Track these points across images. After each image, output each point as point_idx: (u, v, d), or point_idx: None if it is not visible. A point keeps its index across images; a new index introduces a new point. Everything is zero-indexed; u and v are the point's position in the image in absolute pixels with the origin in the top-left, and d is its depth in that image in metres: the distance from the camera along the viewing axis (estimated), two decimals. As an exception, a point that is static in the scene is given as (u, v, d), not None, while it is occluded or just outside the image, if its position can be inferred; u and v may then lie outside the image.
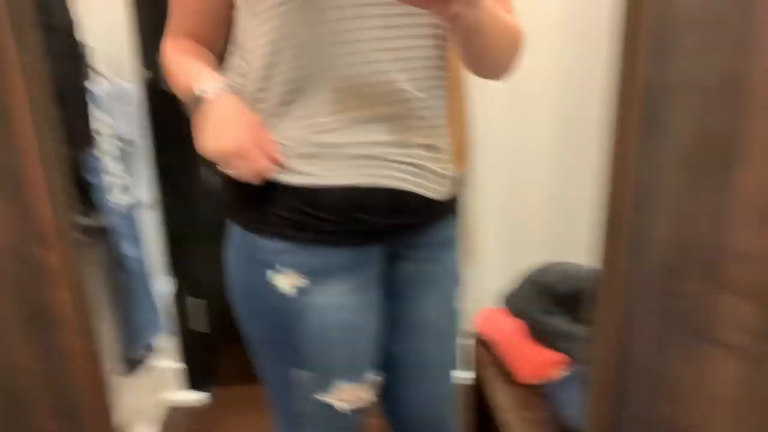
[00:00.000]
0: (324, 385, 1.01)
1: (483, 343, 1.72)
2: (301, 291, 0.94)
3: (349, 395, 1.02)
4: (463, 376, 2.00)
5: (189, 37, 1.01)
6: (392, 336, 1.09)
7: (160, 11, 1.75)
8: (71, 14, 1.13)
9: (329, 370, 1.01)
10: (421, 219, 1.00)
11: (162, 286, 1.88)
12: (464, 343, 1.74)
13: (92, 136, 1.26)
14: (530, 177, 2.16)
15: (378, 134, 0.91)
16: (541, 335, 1.56)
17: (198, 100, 0.90)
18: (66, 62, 1.13)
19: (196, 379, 2.40)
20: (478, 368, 1.63)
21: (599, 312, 0.57)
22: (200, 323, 2.34)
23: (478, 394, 1.68)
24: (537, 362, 1.55)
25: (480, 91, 1.98)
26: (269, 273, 0.95)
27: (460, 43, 0.90)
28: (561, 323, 1.57)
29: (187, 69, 0.97)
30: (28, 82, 0.47)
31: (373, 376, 1.05)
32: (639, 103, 0.48)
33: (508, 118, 2.10)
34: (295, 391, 1.03)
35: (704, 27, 0.47)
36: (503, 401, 1.50)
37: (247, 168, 0.89)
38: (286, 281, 0.95)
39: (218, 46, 1.03)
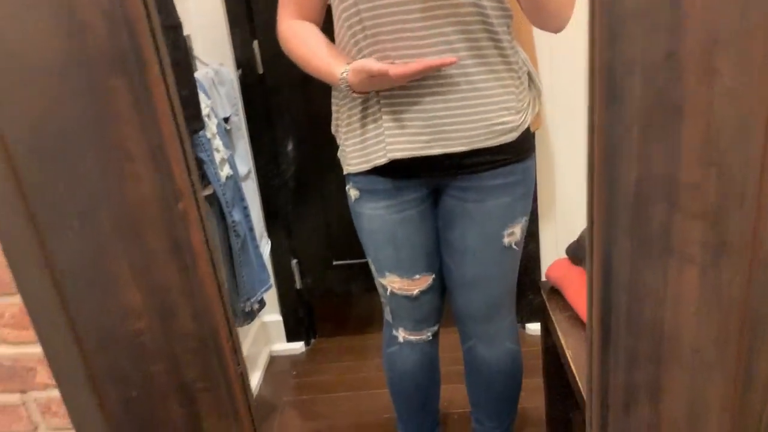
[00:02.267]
0: (380, 271, 1.43)
1: (552, 290, 1.87)
2: (357, 199, 1.38)
3: (397, 284, 1.43)
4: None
5: (300, 18, 1.33)
6: (445, 253, 1.45)
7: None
8: (177, 13, 1.38)
9: (379, 262, 1.42)
10: (456, 171, 1.32)
11: (263, 247, 2.12)
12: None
13: (202, 120, 1.51)
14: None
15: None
16: (599, 280, 1.69)
17: (340, 80, 1.24)
18: (178, 55, 1.38)
19: (294, 331, 2.63)
20: (550, 313, 1.78)
21: (589, 237, 0.74)
22: (294, 281, 2.57)
23: (549, 336, 1.83)
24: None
25: (550, 61, 2.10)
26: (347, 188, 1.42)
27: None
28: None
29: (318, 55, 1.32)
30: (165, 78, 0.69)
31: (420, 276, 1.43)
32: (601, 79, 0.64)
33: (578, 88, 2.19)
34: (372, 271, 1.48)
35: (647, 15, 0.62)
36: (566, 341, 1.64)
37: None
38: (352, 193, 1.40)
39: (321, 21, 1.36)
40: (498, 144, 1.27)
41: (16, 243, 0.70)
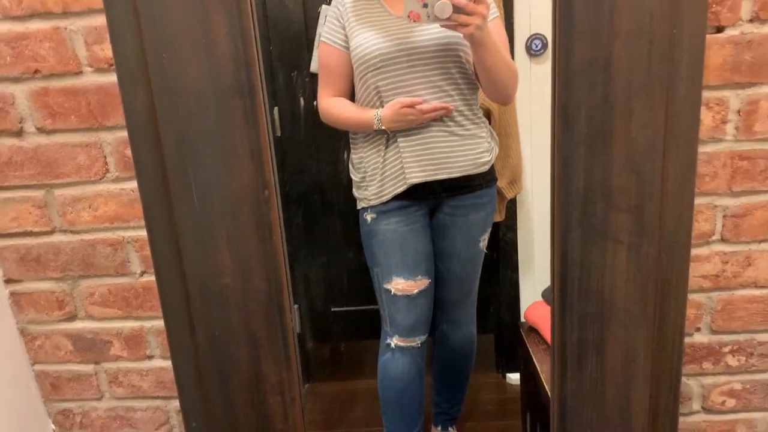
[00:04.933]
0: (387, 276, 1.80)
1: (530, 329, 2.14)
2: (373, 220, 1.77)
3: (401, 285, 1.80)
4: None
5: (335, 95, 1.77)
6: (438, 261, 1.90)
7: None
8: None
9: (389, 267, 1.79)
10: (450, 192, 1.77)
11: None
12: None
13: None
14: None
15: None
16: (568, 314, 1.97)
17: (375, 118, 1.66)
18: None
19: (292, 373, 2.81)
20: (527, 346, 2.05)
21: (552, 229, 1.05)
22: (294, 324, 2.78)
23: (528, 368, 2.09)
24: (566, 336, 1.94)
25: (530, 126, 2.46)
26: (364, 214, 1.81)
27: (477, 60, 1.61)
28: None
29: (352, 110, 1.75)
30: (265, 103, 1.01)
31: (421, 278, 1.81)
32: (559, 114, 0.97)
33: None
34: (378, 282, 1.83)
35: (588, 73, 0.96)
36: (544, 368, 1.90)
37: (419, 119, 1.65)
38: (368, 216, 1.78)
39: (350, 94, 1.80)
40: (479, 173, 1.78)
41: (153, 208, 1.00)
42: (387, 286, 1.80)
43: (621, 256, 1.02)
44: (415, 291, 1.80)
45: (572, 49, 0.95)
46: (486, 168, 1.80)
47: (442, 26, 1.50)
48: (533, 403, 2.13)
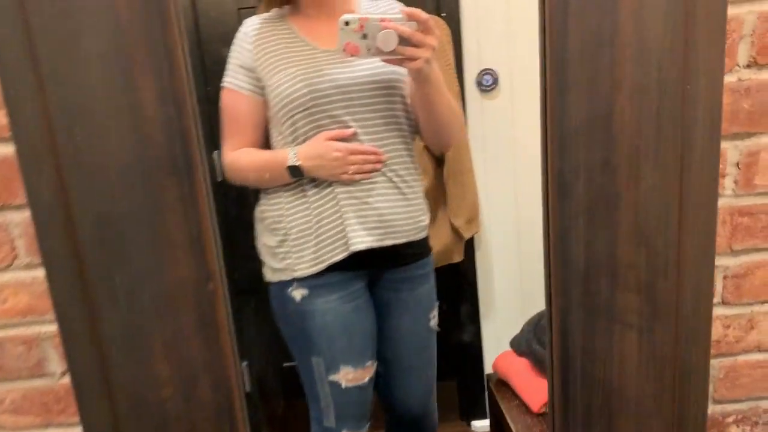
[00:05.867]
0: (333, 366, 1.47)
1: (500, 382, 2.01)
2: (305, 298, 1.44)
3: (351, 375, 1.49)
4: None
5: (244, 147, 1.47)
6: (382, 346, 1.58)
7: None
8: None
9: (333, 356, 1.47)
10: (395, 262, 1.50)
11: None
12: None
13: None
14: (533, 236, 2.46)
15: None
16: (542, 368, 1.84)
17: (292, 168, 1.38)
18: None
19: (243, 435, 2.61)
20: (499, 403, 1.91)
21: (548, 311, 0.90)
22: (243, 384, 2.59)
23: (499, 426, 1.95)
24: (541, 392, 1.81)
25: (484, 162, 2.35)
26: (289, 291, 1.45)
27: (421, 99, 1.38)
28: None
29: (262, 160, 1.44)
30: (206, 178, 0.83)
31: (370, 363, 1.52)
32: (553, 180, 0.83)
33: (510, 186, 2.44)
34: (316, 374, 1.49)
35: (587, 132, 0.82)
36: (516, 428, 1.77)
37: (352, 167, 1.39)
38: (297, 294, 1.45)
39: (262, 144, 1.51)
40: (421, 238, 1.53)
41: (70, 316, 0.81)
42: (333, 377, 1.49)
43: (631, 341, 0.88)
44: (367, 379, 1.52)
45: (566, 105, 0.82)
46: (426, 233, 1.55)
47: (384, 61, 1.28)
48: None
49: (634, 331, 0.88)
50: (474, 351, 2.59)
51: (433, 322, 1.65)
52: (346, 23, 1.19)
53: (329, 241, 1.42)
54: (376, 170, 1.41)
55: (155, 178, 0.78)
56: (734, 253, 1.13)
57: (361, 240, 1.41)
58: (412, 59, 1.24)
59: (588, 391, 0.91)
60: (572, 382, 0.91)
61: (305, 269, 1.43)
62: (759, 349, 1.16)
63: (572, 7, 0.77)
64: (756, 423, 1.22)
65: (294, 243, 1.43)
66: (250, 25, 1.45)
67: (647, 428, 0.91)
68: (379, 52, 1.22)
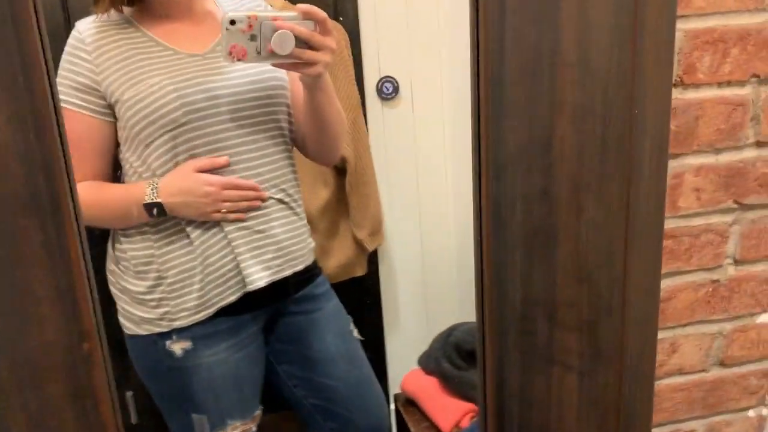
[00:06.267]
0: (219, 423, 1.28)
1: (408, 401, 1.93)
2: (188, 352, 1.23)
3: (239, 429, 1.31)
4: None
5: (87, 179, 1.19)
6: (315, 373, 1.41)
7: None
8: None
9: (221, 412, 1.28)
10: (296, 289, 1.35)
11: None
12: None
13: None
14: (438, 247, 2.41)
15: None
16: (453, 387, 1.78)
17: (151, 206, 1.16)
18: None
19: (132, 471, 2.40)
20: (406, 424, 1.82)
21: (480, 351, 0.82)
22: (129, 415, 2.38)
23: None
24: (452, 412, 1.76)
25: (386, 172, 2.27)
26: (167, 344, 1.24)
27: (313, 108, 1.23)
28: (469, 375, 1.79)
29: (112, 197, 1.21)
30: (78, 219, 0.68)
31: (258, 411, 1.35)
32: (487, 210, 0.74)
33: (413, 197, 2.37)
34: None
35: (524, 159, 0.74)
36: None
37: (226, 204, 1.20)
38: (177, 347, 1.24)
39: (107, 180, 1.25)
40: (313, 260, 1.39)
41: None
42: None
43: (570, 385, 0.81)
44: (254, 429, 1.35)
45: (503, 130, 0.73)
46: (313, 253, 1.41)
47: (276, 65, 1.12)
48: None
49: (573, 373, 0.81)
50: (378, 368, 2.50)
51: (355, 332, 1.50)
52: (232, 22, 1.02)
53: (219, 281, 1.22)
54: (253, 208, 1.22)
55: (11, 219, 0.62)
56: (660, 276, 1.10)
57: (259, 276, 1.24)
58: (311, 63, 1.09)
59: (525, 439, 0.83)
60: (508, 428, 0.83)
61: (187, 317, 1.22)
62: (680, 372, 1.14)
63: (509, 22, 0.68)
64: (679, 447, 1.21)
65: (171, 288, 1.21)
66: (86, 30, 1.17)
67: (589, 477, 0.84)
68: (270, 56, 1.06)
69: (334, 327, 1.44)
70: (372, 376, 1.52)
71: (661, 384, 1.16)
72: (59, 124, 0.60)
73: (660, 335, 1.13)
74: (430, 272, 2.42)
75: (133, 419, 2.36)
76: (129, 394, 2.34)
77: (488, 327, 0.80)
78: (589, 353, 0.80)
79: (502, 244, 0.77)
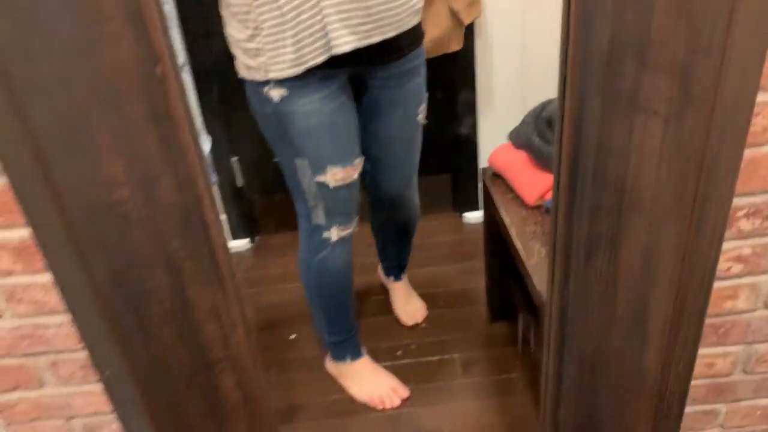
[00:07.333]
0: (320, 167, 1.42)
1: (495, 176, 1.93)
2: (284, 98, 1.32)
3: (340, 174, 1.45)
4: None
5: None
6: (369, 145, 1.56)
7: None
8: None
9: (320, 157, 1.41)
10: (381, 59, 1.39)
11: (203, 144, 2.08)
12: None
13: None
14: (540, 20, 2.25)
15: None
16: (541, 161, 1.76)
17: None
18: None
19: (238, 229, 2.63)
20: (493, 197, 1.85)
21: (560, 96, 0.77)
22: (235, 178, 2.54)
23: (492, 219, 1.91)
24: (537, 185, 1.75)
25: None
26: (265, 90, 1.33)
27: None
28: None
29: None
30: None
31: (357, 160, 1.48)
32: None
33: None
34: (301, 175, 1.43)
35: None
36: (510, 220, 1.72)
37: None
38: (274, 94, 1.33)
39: None
40: (414, 24, 1.37)
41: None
42: (320, 178, 1.43)
43: (654, 133, 0.76)
44: (355, 176, 1.48)
45: None
46: (419, 17, 1.39)
47: None
48: (497, 260, 1.99)
49: (659, 119, 0.75)
50: (470, 144, 2.50)
51: (421, 116, 1.61)
52: None
53: (309, 40, 1.23)
54: None
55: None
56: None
57: (345, 41, 1.24)
58: None
59: (598, 189, 0.81)
60: (581, 179, 0.80)
61: (281, 70, 1.27)
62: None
63: None
64: (767, 216, 1.16)
65: (267, 39, 1.24)
66: None
67: (659, 228, 0.82)
68: None
69: (405, 108, 1.54)
70: (410, 161, 1.70)
71: (762, 150, 1.08)
72: None
73: (760, 97, 1.02)
74: (530, 48, 2.28)
75: (239, 182, 2.54)
76: (234, 159, 2.49)
77: (570, 70, 0.75)
78: (678, 98, 0.74)
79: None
